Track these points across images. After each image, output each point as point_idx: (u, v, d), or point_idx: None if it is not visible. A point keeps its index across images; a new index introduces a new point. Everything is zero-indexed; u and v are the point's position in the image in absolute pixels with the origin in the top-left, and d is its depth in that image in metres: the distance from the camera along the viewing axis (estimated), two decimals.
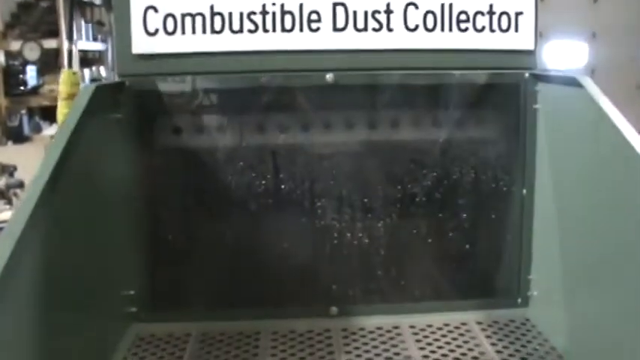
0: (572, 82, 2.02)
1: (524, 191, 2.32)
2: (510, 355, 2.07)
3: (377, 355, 2.08)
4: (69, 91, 3.01)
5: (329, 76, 2.21)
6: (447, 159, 2.34)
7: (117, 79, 2.22)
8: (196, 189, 2.33)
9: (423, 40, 2.25)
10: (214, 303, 2.35)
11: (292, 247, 2.33)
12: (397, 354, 2.09)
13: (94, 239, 1.99)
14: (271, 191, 2.31)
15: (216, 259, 2.33)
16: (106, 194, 2.12)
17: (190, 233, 2.33)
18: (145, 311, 2.30)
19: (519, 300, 2.35)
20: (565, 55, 6.12)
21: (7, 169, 8.66)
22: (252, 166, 2.29)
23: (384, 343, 2.16)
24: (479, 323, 2.27)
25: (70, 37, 5.71)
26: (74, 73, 3.12)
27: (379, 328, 2.25)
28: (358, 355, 2.08)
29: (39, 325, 1.54)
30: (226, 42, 2.20)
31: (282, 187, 2.30)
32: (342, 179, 2.32)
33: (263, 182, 2.30)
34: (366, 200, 2.32)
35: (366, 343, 2.16)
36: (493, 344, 2.13)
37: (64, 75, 3.09)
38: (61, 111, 2.95)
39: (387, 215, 2.33)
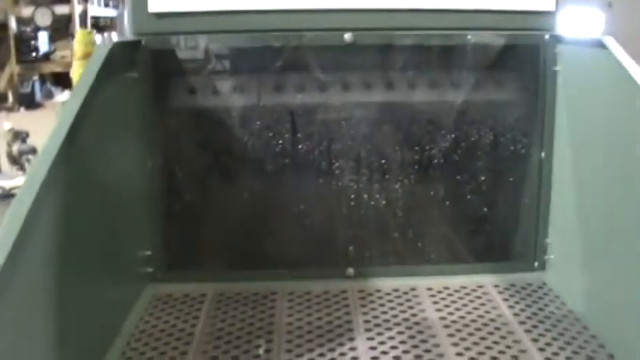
0: (595, 44, 1.99)
1: (543, 154, 2.30)
2: (527, 318, 2.06)
3: (394, 316, 2.08)
4: (84, 51, 3.00)
5: (347, 36, 2.19)
6: (465, 121, 2.32)
7: (132, 37, 2.21)
8: (212, 149, 2.32)
9: (441, 1, 2.22)
10: (230, 264, 2.35)
11: (309, 208, 2.32)
12: (414, 315, 2.08)
13: (110, 199, 1.98)
14: (288, 151, 2.29)
15: (232, 220, 2.33)
16: (122, 154, 2.11)
17: (206, 194, 2.32)
18: (160, 272, 2.30)
19: (536, 264, 2.34)
20: (581, 22, 6.05)
21: (20, 136, 8.67)
22: (269, 126, 2.28)
23: (400, 304, 2.15)
24: (495, 286, 2.26)
25: None
26: (89, 33, 3.11)
27: (396, 290, 2.24)
28: (375, 316, 2.08)
29: (56, 286, 1.54)
30: (243, 0, 2.18)
31: (300, 147, 2.29)
32: (360, 140, 2.30)
33: (280, 142, 2.28)
34: (383, 161, 2.31)
35: (382, 305, 2.15)
36: (510, 307, 2.13)
37: (78, 35, 3.08)
38: (77, 71, 2.95)
39: (405, 177, 2.31)
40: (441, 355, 1.86)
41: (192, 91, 2.29)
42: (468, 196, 2.34)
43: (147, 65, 2.20)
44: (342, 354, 1.87)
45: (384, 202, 2.31)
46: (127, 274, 2.18)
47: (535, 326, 2.01)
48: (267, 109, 2.28)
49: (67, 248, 1.60)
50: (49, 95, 10.80)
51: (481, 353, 1.86)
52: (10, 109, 9.98)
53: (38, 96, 10.66)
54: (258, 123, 2.28)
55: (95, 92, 1.79)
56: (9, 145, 8.68)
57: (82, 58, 2.96)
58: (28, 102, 10.29)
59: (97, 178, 1.87)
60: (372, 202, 2.31)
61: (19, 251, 1.31)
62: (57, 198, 1.55)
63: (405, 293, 2.22)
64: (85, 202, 1.75)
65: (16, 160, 8.63)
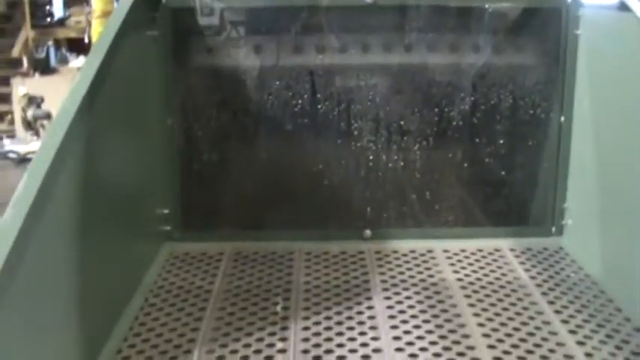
0: (618, 7, 1.97)
1: (562, 118, 2.28)
2: (544, 281, 2.06)
3: (411, 277, 2.08)
4: (103, 9, 2.98)
5: None
6: (485, 84, 2.31)
7: None
8: (231, 108, 2.31)
9: None
10: (248, 223, 2.35)
11: (327, 168, 2.32)
12: (431, 276, 2.09)
13: (129, 157, 1.98)
14: (307, 112, 2.29)
15: (250, 180, 2.33)
16: (141, 113, 2.11)
17: (225, 153, 2.33)
18: (178, 230, 2.31)
19: (553, 229, 2.34)
20: None
21: (35, 101, 8.70)
22: (289, 86, 2.27)
23: (417, 265, 2.15)
24: (512, 250, 2.26)
25: None
26: None
27: (412, 252, 2.24)
28: (392, 277, 2.08)
29: (75, 241, 1.55)
30: None
31: (319, 107, 2.28)
32: (379, 102, 2.29)
33: (299, 102, 2.28)
34: (402, 123, 2.30)
35: (399, 265, 2.15)
36: (527, 270, 2.13)
37: None
38: (96, 29, 2.93)
39: (423, 139, 2.31)
40: (457, 316, 1.86)
41: (212, 50, 2.28)
42: (486, 160, 2.33)
43: (167, 23, 2.19)
44: (360, 312, 1.88)
45: (402, 163, 2.31)
46: (145, 232, 2.19)
47: (552, 289, 2.01)
48: (286, 70, 2.27)
49: (86, 205, 1.60)
50: (64, 61, 10.80)
51: (497, 314, 1.87)
52: (25, 75, 9.99)
53: (53, 61, 10.67)
54: (277, 83, 2.27)
55: (115, 50, 1.79)
56: (24, 111, 8.71)
57: (101, 16, 2.94)
58: (43, 67, 10.30)
59: (116, 135, 1.87)
60: (390, 164, 2.31)
61: (39, 208, 1.32)
62: (76, 153, 1.55)
63: (422, 255, 2.22)
64: (104, 159, 1.76)
65: (30, 125, 8.67)
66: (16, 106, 9.10)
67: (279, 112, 2.29)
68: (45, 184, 1.35)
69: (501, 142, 2.32)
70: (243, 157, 2.33)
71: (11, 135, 9.22)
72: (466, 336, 1.76)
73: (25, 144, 8.32)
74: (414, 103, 2.30)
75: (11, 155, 8.20)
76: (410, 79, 2.31)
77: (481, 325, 1.82)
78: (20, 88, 8.95)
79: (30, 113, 8.61)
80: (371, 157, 2.31)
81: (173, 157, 2.29)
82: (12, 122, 9.50)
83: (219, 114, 2.31)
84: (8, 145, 8.57)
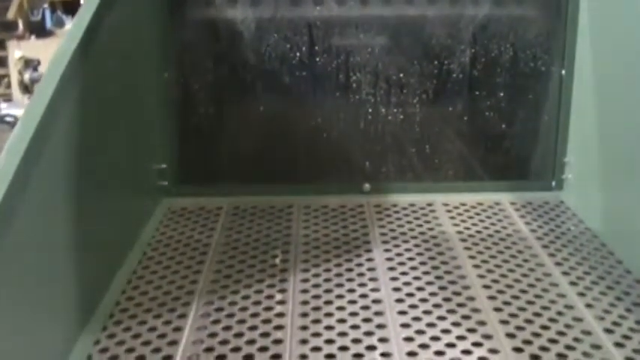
0: None
1: (563, 72, 2.26)
2: (545, 234, 2.05)
3: (411, 229, 2.07)
4: None
5: None
6: (486, 36, 2.28)
7: None
8: (229, 61, 2.28)
9: None
10: (246, 178, 2.33)
11: (326, 122, 2.30)
12: (431, 229, 2.08)
13: (125, 111, 1.96)
14: (306, 64, 2.26)
15: (248, 134, 2.31)
16: (137, 66, 2.08)
17: (222, 107, 2.30)
18: (176, 186, 2.29)
19: (554, 183, 2.32)
20: None
21: (31, 64, 8.64)
22: (287, 39, 2.24)
23: (417, 219, 2.14)
24: (512, 204, 2.25)
25: None
26: None
27: (412, 205, 2.23)
28: (392, 229, 2.07)
29: (71, 193, 1.53)
30: None
31: (317, 60, 2.26)
32: (378, 54, 2.27)
33: (297, 55, 2.25)
34: (401, 75, 2.27)
35: (399, 219, 2.15)
36: (527, 223, 2.12)
37: None
38: None
39: (423, 91, 2.28)
40: (458, 267, 1.85)
41: (209, 2, 2.25)
42: (487, 113, 2.31)
43: None
44: (359, 264, 1.87)
45: (401, 117, 2.29)
46: (143, 188, 2.17)
47: (552, 242, 2.00)
48: (284, 22, 2.24)
49: (82, 159, 1.58)
50: (60, 23, 10.69)
51: (498, 266, 1.86)
52: (21, 38, 9.89)
53: (49, 24, 10.55)
54: (275, 36, 2.24)
55: (108, 2, 1.75)
56: (20, 74, 8.65)
57: None
58: (39, 30, 10.19)
59: (112, 88, 1.84)
60: (390, 117, 2.29)
61: (34, 155, 1.30)
62: (70, 106, 1.53)
63: (422, 208, 2.21)
64: (99, 112, 1.73)
65: (27, 89, 8.61)
66: (12, 70, 9.03)
67: (277, 65, 2.26)
68: (39, 132, 1.33)
69: (501, 95, 2.30)
70: (240, 111, 2.31)
71: (8, 99, 9.16)
72: (466, 287, 1.76)
73: (22, 107, 8.26)
74: (414, 56, 2.27)
75: (8, 119, 8.14)
76: (409, 31, 2.28)
77: (481, 276, 1.81)
78: (16, 51, 8.87)
79: (26, 76, 8.54)
80: (370, 111, 2.29)
81: (170, 112, 2.26)
82: (8, 86, 9.42)
83: (216, 67, 2.28)
84: (5, 108, 8.50)
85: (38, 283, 1.35)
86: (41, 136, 1.33)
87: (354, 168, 2.32)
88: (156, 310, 1.67)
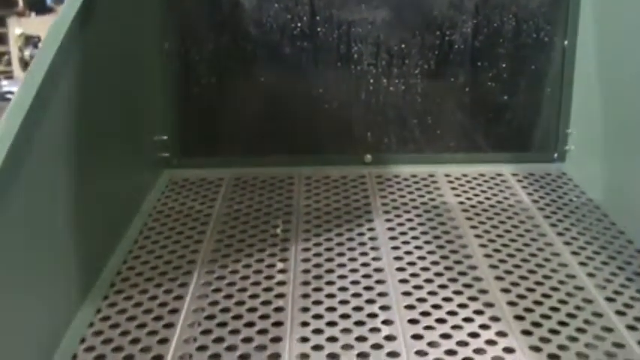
0: None
1: (566, 42, 2.25)
2: (547, 205, 2.05)
3: (412, 200, 2.07)
4: None
5: None
6: (488, 6, 2.26)
7: None
8: (230, 32, 2.27)
9: None
10: (247, 149, 2.33)
11: (327, 92, 2.29)
12: (432, 199, 2.07)
13: (126, 81, 1.95)
14: (307, 34, 2.25)
15: (249, 105, 2.29)
16: (137, 36, 2.07)
17: (223, 78, 2.29)
18: (177, 157, 2.29)
19: (556, 154, 2.32)
20: None
21: (31, 41, 8.61)
22: (288, 9, 2.23)
23: (418, 189, 2.14)
24: (514, 175, 2.25)
25: None
26: None
27: (414, 176, 2.23)
28: (393, 200, 2.07)
29: (71, 168, 1.53)
30: None
31: (318, 30, 2.24)
32: (380, 24, 2.25)
33: (298, 25, 2.23)
34: (403, 46, 2.26)
35: (400, 189, 2.14)
36: (529, 194, 2.11)
37: None
38: None
39: (425, 62, 2.27)
40: (459, 237, 1.85)
41: None
42: (489, 84, 2.30)
43: None
44: (361, 234, 1.87)
45: (402, 88, 2.28)
46: (144, 159, 2.16)
47: (554, 212, 2.00)
48: None
49: (82, 130, 1.58)
50: (60, 0, 10.66)
51: (500, 236, 1.86)
52: (21, 14, 9.86)
53: (49, 1, 10.52)
54: (276, 5, 2.22)
55: None
56: (20, 51, 8.63)
57: None
58: (39, 7, 10.15)
59: (112, 58, 1.83)
60: (391, 88, 2.28)
61: (33, 121, 1.29)
62: (70, 75, 1.52)
63: (423, 179, 2.20)
64: (99, 81, 1.72)
65: (27, 66, 8.58)
66: (13, 47, 9.01)
67: (277, 36, 2.25)
68: (39, 97, 1.32)
69: (504, 66, 2.29)
70: (242, 82, 2.30)
71: (8, 76, 9.14)
72: (468, 256, 1.75)
73: None
74: (416, 27, 2.26)
75: (9, 96, 8.13)
76: (411, 1, 2.26)
77: (483, 246, 1.81)
78: (16, 28, 8.84)
79: (27, 53, 8.52)
80: (371, 81, 2.28)
81: (170, 83, 2.25)
82: (9, 63, 9.40)
83: (217, 38, 2.27)
84: (6, 86, 8.49)
85: (38, 252, 1.34)
86: (41, 102, 1.33)
87: (356, 139, 2.31)
88: (157, 279, 1.67)
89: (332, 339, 1.43)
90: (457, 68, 2.29)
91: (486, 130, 2.35)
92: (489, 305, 1.54)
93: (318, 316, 1.50)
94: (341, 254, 1.76)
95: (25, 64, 8.53)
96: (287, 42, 2.25)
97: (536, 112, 2.33)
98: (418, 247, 1.79)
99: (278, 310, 1.53)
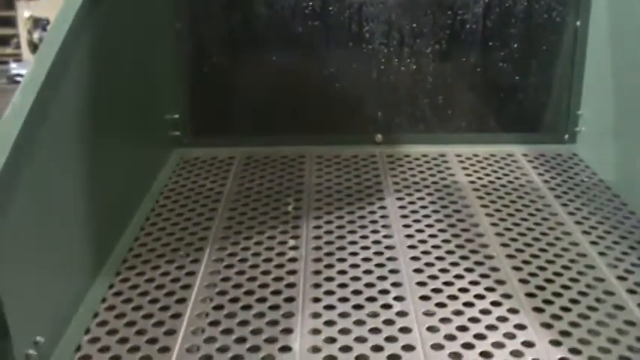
0: None
1: (578, 23, 2.24)
2: (557, 185, 2.04)
3: (423, 179, 2.07)
4: None
5: None
6: None
7: None
8: (241, 11, 2.26)
9: None
10: (258, 128, 2.33)
11: (338, 72, 2.28)
12: (443, 179, 2.07)
13: (138, 61, 1.95)
14: (318, 13, 2.24)
15: (260, 84, 2.29)
16: (149, 17, 2.07)
17: (235, 57, 2.29)
18: (188, 136, 2.29)
19: (567, 136, 2.31)
20: None
21: (40, 23, 8.61)
22: None
23: (429, 169, 2.14)
24: (525, 155, 2.24)
25: None
26: None
27: (425, 156, 2.23)
28: (404, 179, 2.07)
29: (84, 144, 1.53)
30: None
31: (330, 9, 2.23)
32: (392, 3, 2.24)
33: (310, 4, 2.23)
34: (415, 25, 2.25)
35: (411, 169, 2.14)
36: (540, 174, 2.11)
37: None
38: None
39: (436, 42, 2.26)
40: (470, 215, 1.85)
41: None
42: (500, 64, 2.29)
43: None
44: (372, 212, 1.87)
45: (414, 67, 2.27)
46: (156, 138, 2.17)
47: (565, 192, 2.00)
48: None
49: (94, 108, 1.58)
50: None
51: (511, 215, 1.86)
52: None
53: None
54: None
55: None
56: (29, 33, 8.64)
57: None
58: None
59: (123, 38, 1.83)
60: (403, 68, 2.27)
61: (47, 97, 1.29)
62: (81, 54, 1.52)
63: (434, 159, 2.20)
64: (110, 61, 1.72)
65: (37, 48, 8.58)
66: (22, 29, 9.02)
67: (289, 15, 2.24)
68: (51, 75, 1.33)
69: (515, 46, 2.28)
70: (253, 61, 2.30)
71: (18, 59, 9.16)
72: (479, 235, 1.76)
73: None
74: (427, 6, 2.25)
75: (18, 79, 8.14)
76: None
77: (494, 224, 1.81)
78: (25, 11, 8.85)
79: (36, 36, 8.54)
80: (382, 61, 2.27)
81: (182, 62, 2.25)
82: (18, 46, 9.43)
83: (228, 17, 2.26)
84: (15, 68, 8.51)
85: (51, 229, 1.35)
86: (53, 81, 1.33)
87: (367, 119, 2.31)
88: (169, 255, 1.68)
89: (344, 314, 1.43)
90: (468, 48, 2.28)
91: (497, 110, 2.35)
92: (501, 283, 1.55)
93: (329, 292, 1.51)
94: (352, 232, 1.77)
95: (34, 46, 8.55)
96: (298, 21, 2.24)
97: (548, 93, 2.32)
98: (429, 226, 1.80)
99: (290, 286, 1.54)
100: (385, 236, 1.74)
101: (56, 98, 1.36)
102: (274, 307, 1.46)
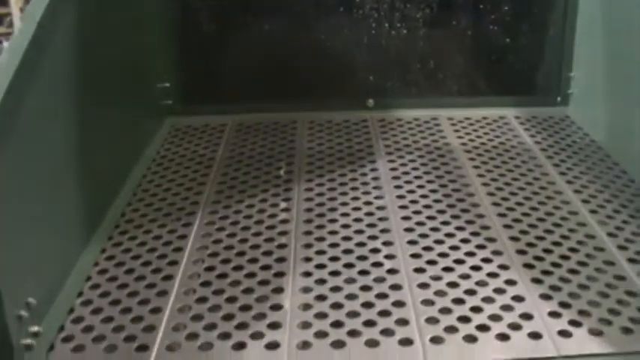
0: None
1: None
2: (549, 146, 2.05)
3: (415, 142, 2.07)
4: None
5: None
6: None
7: None
8: None
9: None
10: (250, 95, 2.32)
11: (329, 37, 2.28)
12: (435, 141, 2.07)
13: (126, 30, 1.95)
14: None
15: (251, 51, 2.29)
16: None
17: (225, 24, 2.27)
18: (180, 104, 2.28)
19: (559, 98, 2.31)
20: None
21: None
22: None
23: (421, 132, 2.14)
24: (517, 118, 2.24)
25: None
26: None
27: (416, 119, 2.23)
28: (396, 142, 2.07)
29: (75, 114, 1.53)
30: None
31: None
32: None
33: None
34: None
35: (403, 132, 2.14)
36: (532, 136, 2.11)
37: None
38: None
39: (427, 5, 2.25)
40: (462, 176, 1.86)
41: None
42: (491, 27, 2.28)
43: None
44: (363, 174, 1.87)
45: (405, 32, 2.26)
46: (147, 106, 2.17)
47: (557, 153, 2.00)
48: None
49: (86, 76, 1.58)
50: None
51: (502, 175, 1.86)
52: None
53: None
54: None
55: None
56: (22, 12, 8.55)
57: None
58: None
59: (113, 6, 1.82)
60: (393, 32, 2.26)
61: (32, 59, 1.28)
62: (69, 22, 1.51)
63: (426, 122, 2.20)
64: (99, 29, 1.72)
65: None
66: (14, 8, 8.95)
67: None
68: (37, 38, 1.32)
69: (506, 8, 2.27)
70: (243, 28, 2.28)
71: (10, 38, 9.09)
72: (470, 194, 1.76)
73: None
74: None
75: None
76: None
77: (486, 184, 1.81)
78: None
79: None
80: (373, 26, 2.26)
81: (172, 31, 2.24)
82: (10, 24, 9.35)
83: None
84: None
85: (42, 193, 1.35)
86: (39, 46, 1.32)
87: (358, 83, 2.30)
88: (161, 220, 1.68)
89: (335, 273, 1.44)
90: (459, 11, 2.27)
91: (489, 73, 2.35)
92: (491, 240, 1.55)
93: (320, 252, 1.51)
94: (344, 194, 1.77)
95: None
96: None
97: (539, 55, 2.32)
98: (421, 187, 1.80)
99: (281, 246, 1.54)
100: (376, 197, 1.75)
101: (43, 61, 1.35)
102: (265, 267, 1.47)
